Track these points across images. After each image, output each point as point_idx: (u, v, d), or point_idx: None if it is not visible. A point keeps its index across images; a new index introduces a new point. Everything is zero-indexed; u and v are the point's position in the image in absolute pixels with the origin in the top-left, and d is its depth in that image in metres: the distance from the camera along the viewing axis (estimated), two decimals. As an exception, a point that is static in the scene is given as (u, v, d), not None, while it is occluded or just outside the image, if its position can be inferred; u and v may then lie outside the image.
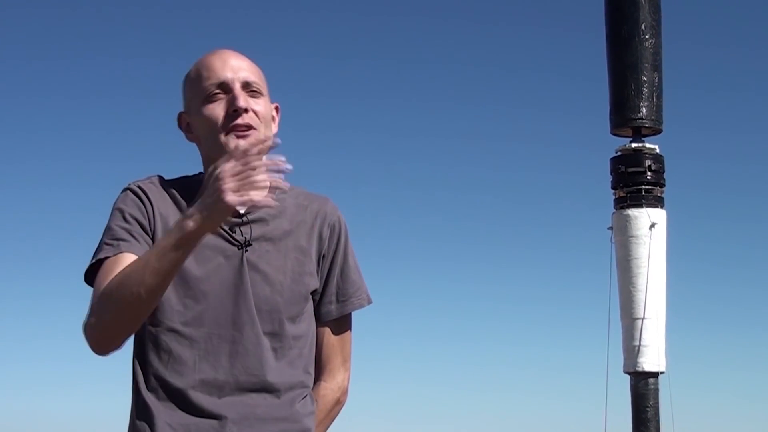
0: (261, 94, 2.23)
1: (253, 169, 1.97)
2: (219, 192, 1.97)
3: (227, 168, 1.98)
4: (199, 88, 2.22)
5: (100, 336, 2.09)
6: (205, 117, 2.20)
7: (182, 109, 2.30)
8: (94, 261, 2.15)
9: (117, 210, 2.21)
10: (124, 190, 2.24)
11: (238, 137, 2.17)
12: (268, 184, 2.00)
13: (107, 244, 2.16)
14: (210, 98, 2.20)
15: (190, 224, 2.00)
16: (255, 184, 1.98)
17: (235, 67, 2.22)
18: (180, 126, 2.30)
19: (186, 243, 2.01)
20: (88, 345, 2.10)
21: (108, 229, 2.19)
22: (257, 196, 1.98)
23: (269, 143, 2.10)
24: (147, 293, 2.02)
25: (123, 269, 2.06)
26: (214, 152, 2.19)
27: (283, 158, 2.00)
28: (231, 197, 1.96)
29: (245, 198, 1.97)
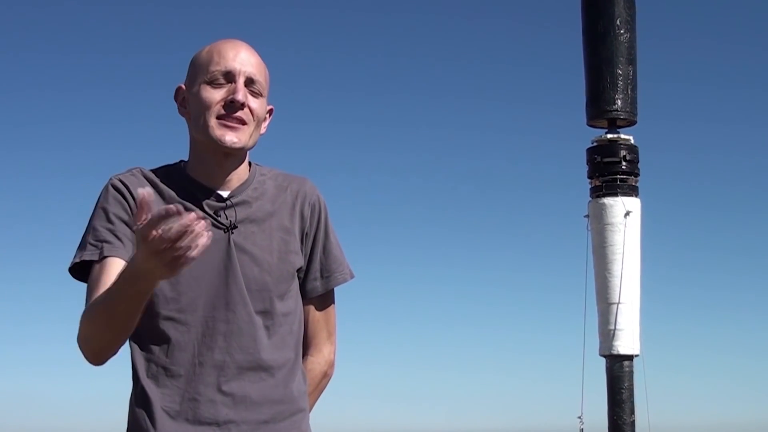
0: (261, 94, 2.29)
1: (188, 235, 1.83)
2: (161, 263, 1.85)
3: (162, 239, 1.84)
4: (206, 69, 2.27)
5: (91, 350, 2.16)
6: (202, 98, 2.25)
7: (183, 82, 2.34)
8: (78, 260, 2.22)
9: (100, 208, 2.25)
10: (106, 185, 2.27)
11: (227, 127, 2.23)
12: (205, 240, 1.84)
13: (92, 244, 2.21)
14: (213, 82, 2.25)
15: (141, 282, 1.96)
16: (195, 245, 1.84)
17: (245, 61, 2.27)
18: (176, 98, 2.34)
19: (139, 295, 2.00)
20: (84, 358, 2.17)
21: (92, 228, 2.24)
22: (195, 252, 1.84)
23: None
24: (118, 325, 2.08)
25: (99, 295, 2.10)
26: (198, 132, 2.27)
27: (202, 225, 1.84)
28: (171, 270, 1.86)
29: (184, 262, 1.84)
